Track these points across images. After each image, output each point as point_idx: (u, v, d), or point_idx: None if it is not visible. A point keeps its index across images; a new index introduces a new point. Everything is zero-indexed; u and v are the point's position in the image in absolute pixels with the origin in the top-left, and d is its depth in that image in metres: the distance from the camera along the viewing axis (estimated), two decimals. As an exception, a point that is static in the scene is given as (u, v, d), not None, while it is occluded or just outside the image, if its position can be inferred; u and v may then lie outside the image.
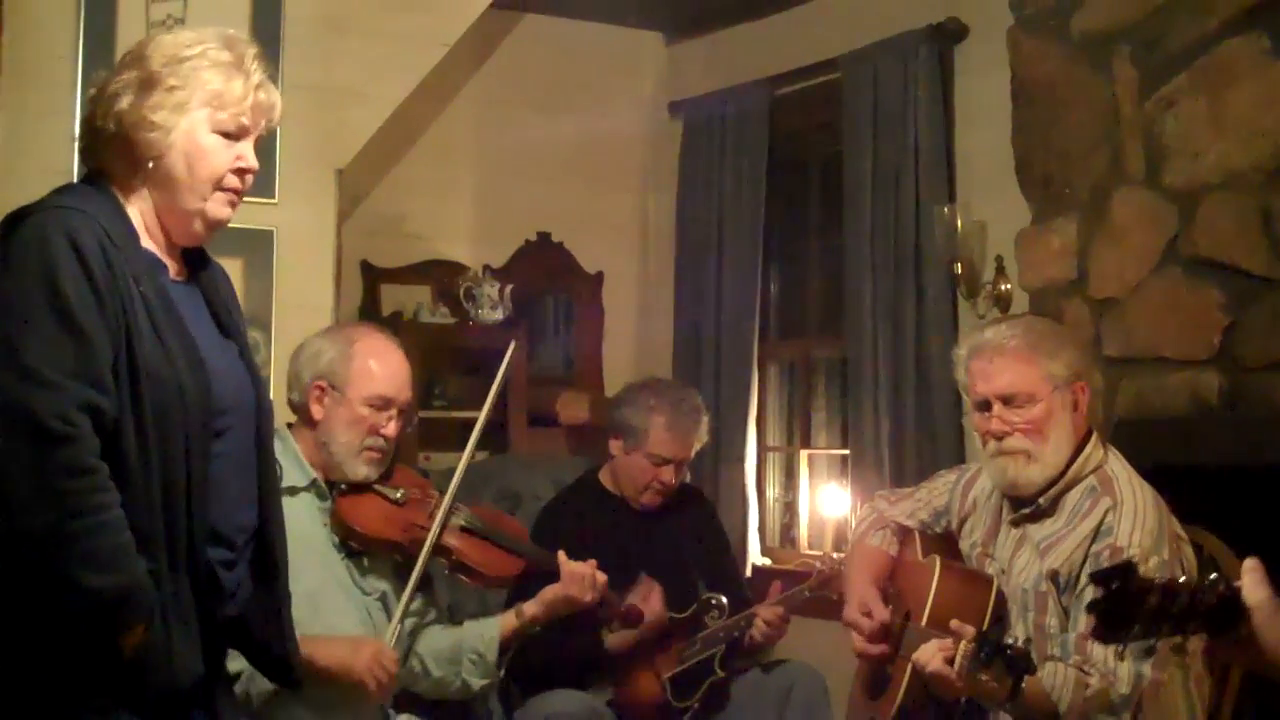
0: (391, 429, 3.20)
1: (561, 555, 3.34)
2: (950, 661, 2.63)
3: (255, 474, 2.35)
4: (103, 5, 4.11)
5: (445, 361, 5.31)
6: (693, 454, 3.96)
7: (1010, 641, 2.47)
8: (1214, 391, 3.61)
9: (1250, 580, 1.86)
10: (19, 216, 2.15)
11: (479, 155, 5.54)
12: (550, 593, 3.31)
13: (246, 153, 2.30)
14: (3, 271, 2.09)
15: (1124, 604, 1.76)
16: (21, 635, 2.05)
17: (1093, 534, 2.83)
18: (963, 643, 2.59)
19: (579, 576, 3.31)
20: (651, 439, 3.86)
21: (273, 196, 4.16)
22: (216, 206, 2.28)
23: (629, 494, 3.92)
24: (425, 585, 3.33)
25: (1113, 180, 3.93)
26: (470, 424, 5.08)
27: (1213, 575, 1.85)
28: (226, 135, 2.27)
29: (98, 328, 2.06)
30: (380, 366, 3.20)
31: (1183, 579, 1.82)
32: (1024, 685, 2.51)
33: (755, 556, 5.27)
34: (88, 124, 2.27)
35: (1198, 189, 3.67)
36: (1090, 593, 2.73)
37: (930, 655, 2.67)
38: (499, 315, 5.29)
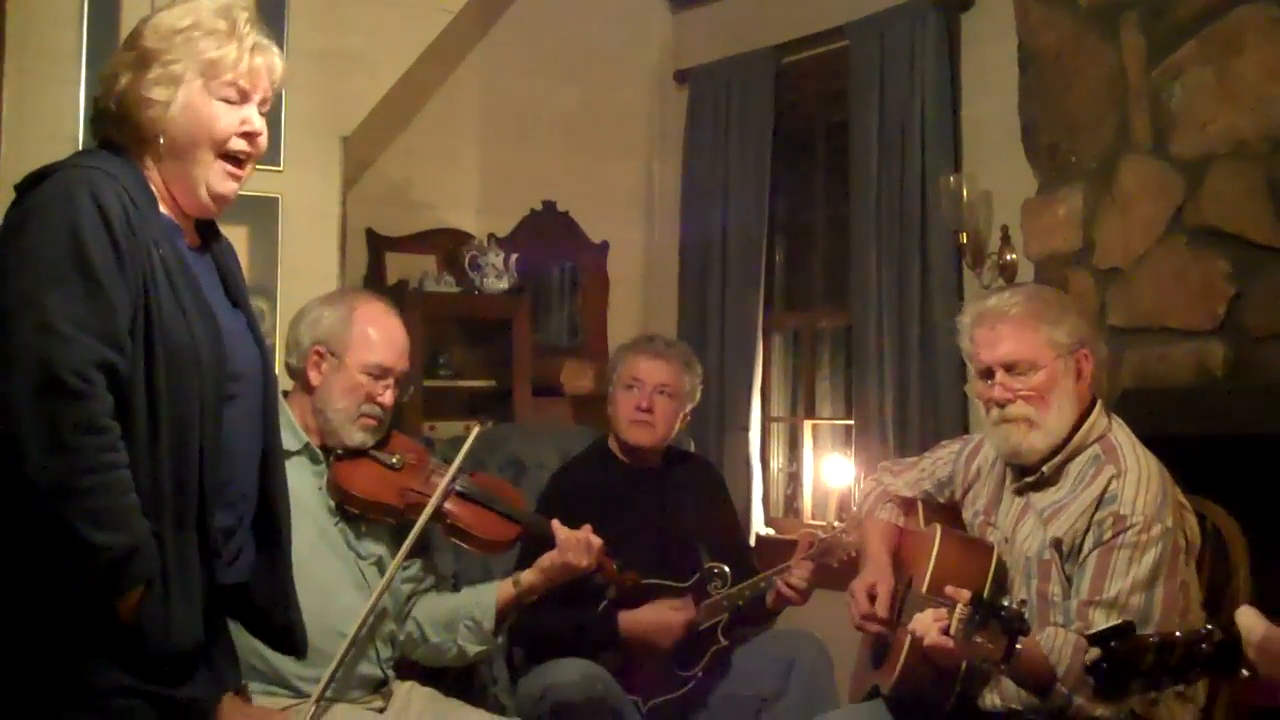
0: (388, 397, 3.22)
1: (556, 523, 3.34)
2: (946, 631, 2.64)
3: (261, 441, 2.37)
4: (107, -29, 4.11)
5: (450, 330, 5.32)
6: (671, 381, 3.89)
7: (1005, 603, 2.48)
8: (1219, 361, 3.60)
9: (1247, 621, 1.89)
10: (43, 174, 2.17)
11: (484, 123, 5.53)
12: (547, 559, 3.31)
13: (251, 116, 2.31)
14: (27, 226, 2.11)
15: (1123, 663, 1.79)
16: (22, 593, 2.06)
17: (1096, 502, 2.83)
18: (958, 607, 2.60)
19: (575, 542, 3.31)
20: (621, 369, 3.92)
21: (278, 164, 4.16)
22: (219, 180, 2.30)
23: (620, 436, 3.92)
24: (425, 551, 3.34)
25: (1119, 149, 3.91)
26: (476, 392, 5.18)
27: (1207, 626, 1.88)
28: (228, 102, 2.28)
29: (117, 286, 2.08)
30: (379, 335, 3.22)
31: (1178, 633, 1.85)
32: (1019, 647, 2.52)
33: (759, 526, 5.28)
34: (96, 103, 2.30)
35: (1205, 158, 3.66)
36: (1094, 559, 2.76)
37: (926, 627, 2.68)
38: (504, 284, 5.29)
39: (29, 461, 1.99)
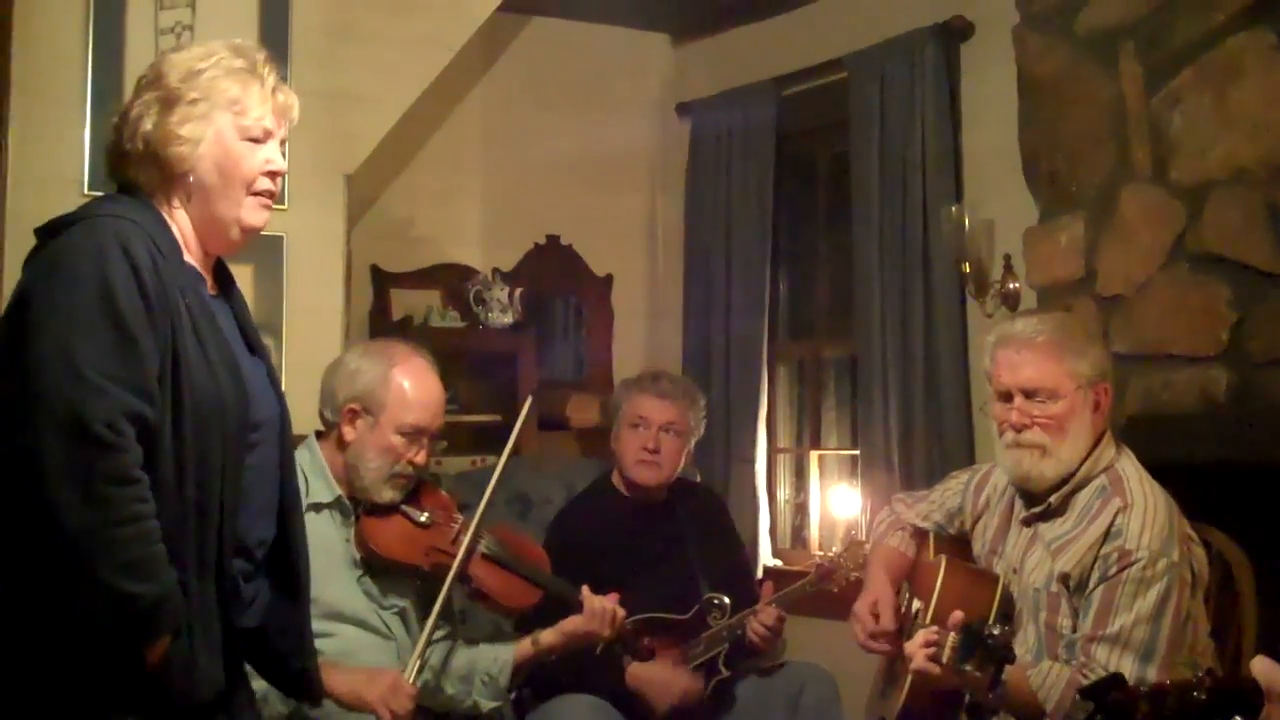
0: (421, 457, 3.20)
1: (586, 590, 3.36)
2: (935, 658, 2.64)
3: (278, 488, 2.37)
4: (112, 15, 4.14)
5: (456, 366, 5.31)
6: (678, 420, 3.93)
7: (993, 631, 2.48)
8: (1222, 388, 3.60)
9: (1263, 669, 1.88)
10: (68, 222, 2.18)
11: (487, 159, 5.56)
12: (570, 624, 3.33)
13: (274, 155, 2.33)
14: (56, 276, 2.10)
15: (1116, 716, 1.79)
16: (51, 640, 2.06)
17: (1102, 536, 2.82)
18: (950, 635, 2.59)
19: (601, 612, 3.32)
20: (626, 408, 3.93)
21: (282, 202, 4.13)
22: (251, 212, 2.32)
23: (627, 475, 3.93)
24: (445, 602, 3.34)
25: (1120, 177, 3.92)
26: (480, 427, 5.19)
27: (1199, 673, 1.87)
28: (253, 140, 2.30)
29: (147, 336, 2.09)
30: (417, 395, 3.19)
31: (1169, 681, 1.84)
32: (1006, 679, 2.52)
33: (766, 558, 5.27)
34: (114, 147, 2.30)
35: (1204, 185, 3.67)
36: (1099, 594, 2.76)
37: (914, 651, 2.68)
38: (509, 319, 5.30)
39: (61, 512, 1.99)
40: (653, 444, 3.89)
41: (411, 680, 3.02)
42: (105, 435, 2.01)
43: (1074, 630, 2.83)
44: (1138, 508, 2.82)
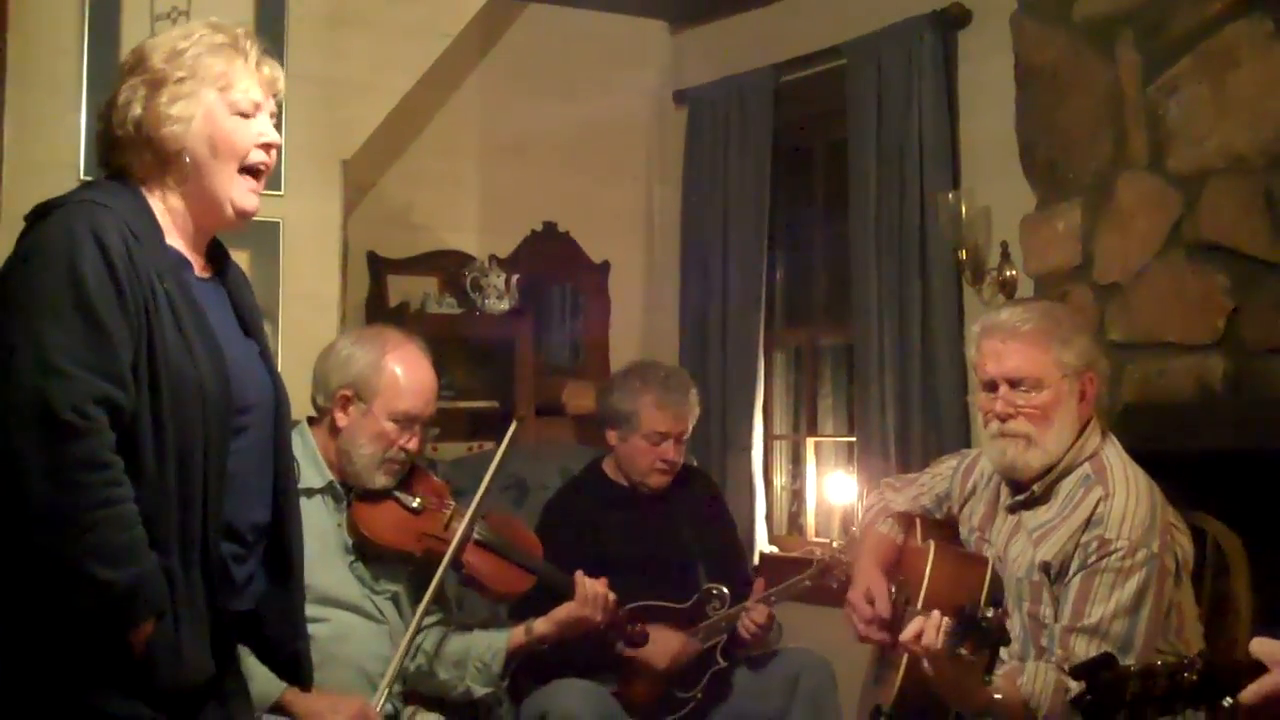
0: (414, 444, 3.22)
1: (579, 575, 3.37)
2: (929, 644, 2.65)
3: (272, 472, 2.37)
4: (107, 0, 4.12)
5: (452, 352, 5.31)
6: (689, 427, 3.95)
7: (986, 614, 2.48)
8: (1218, 376, 3.61)
9: (1266, 651, 1.87)
10: (45, 210, 2.18)
11: (484, 145, 5.55)
12: (563, 612, 3.35)
13: (266, 128, 2.33)
14: (28, 263, 2.12)
15: (1107, 695, 1.79)
16: (32, 627, 2.06)
17: (1084, 524, 2.82)
18: (943, 620, 2.60)
19: (594, 597, 3.34)
20: (644, 419, 3.88)
21: (279, 188, 4.18)
22: (242, 194, 2.31)
23: (636, 479, 3.93)
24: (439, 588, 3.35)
25: (1116, 165, 3.92)
26: (477, 413, 5.19)
27: (1188, 656, 1.87)
28: (242, 114, 2.30)
29: (118, 323, 2.08)
30: (410, 382, 3.21)
31: (1159, 662, 1.84)
32: (998, 680, 2.52)
33: (763, 544, 5.28)
34: (104, 134, 2.30)
35: (1201, 173, 3.67)
36: (1078, 582, 2.76)
37: (908, 637, 2.69)
38: (505, 305, 5.30)
39: (33, 499, 2.00)
40: (671, 455, 3.89)
41: (379, 706, 3.02)
42: (74, 420, 2.01)
43: (1055, 619, 2.83)
44: (1119, 496, 2.81)
